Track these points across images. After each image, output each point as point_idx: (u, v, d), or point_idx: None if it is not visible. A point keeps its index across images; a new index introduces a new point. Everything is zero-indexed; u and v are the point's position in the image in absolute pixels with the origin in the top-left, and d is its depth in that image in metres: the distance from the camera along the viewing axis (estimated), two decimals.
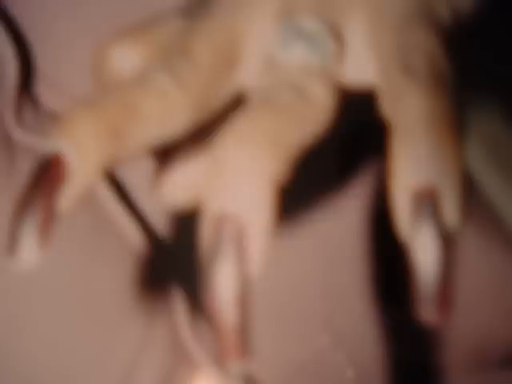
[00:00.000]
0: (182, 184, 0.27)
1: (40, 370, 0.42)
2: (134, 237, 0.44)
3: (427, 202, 0.22)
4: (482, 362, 0.49)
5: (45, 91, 0.44)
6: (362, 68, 0.26)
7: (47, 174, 0.22)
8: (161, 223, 0.45)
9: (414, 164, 0.22)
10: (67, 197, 0.22)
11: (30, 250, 0.22)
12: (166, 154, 0.28)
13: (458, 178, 0.22)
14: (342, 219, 0.45)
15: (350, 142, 0.41)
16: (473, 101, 0.29)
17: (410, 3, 0.25)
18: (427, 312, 0.22)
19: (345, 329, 0.46)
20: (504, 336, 0.48)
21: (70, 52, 0.43)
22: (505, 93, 0.32)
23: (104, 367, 0.43)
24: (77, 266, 0.43)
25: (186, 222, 0.32)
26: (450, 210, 0.22)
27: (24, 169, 0.42)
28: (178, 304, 0.45)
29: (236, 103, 0.26)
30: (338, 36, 0.25)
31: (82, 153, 0.23)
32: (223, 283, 0.22)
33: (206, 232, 0.22)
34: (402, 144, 0.22)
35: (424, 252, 0.21)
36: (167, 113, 0.24)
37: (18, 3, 0.44)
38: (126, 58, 0.27)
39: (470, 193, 0.24)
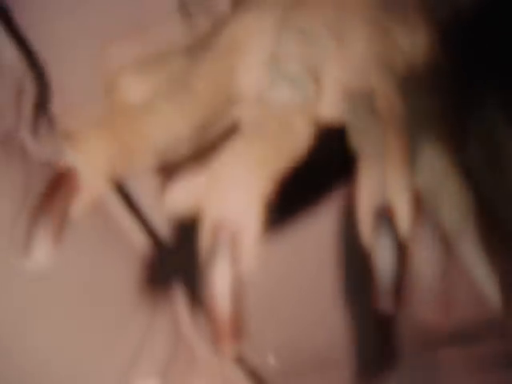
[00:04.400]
0: (184, 194, 0.29)
1: (49, 359, 0.43)
2: (140, 240, 0.45)
3: (385, 216, 0.24)
4: (430, 339, 0.50)
5: (59, 110, 0.45)
6: (334, 106, 0.27)
7: (61, 186, 0.23)
8: (164, 228, 0.46)
9: (376, 187, 0.24)
10: (79, 205, 0.24)
11: (42, 253, 0.23)
12: (169, 169, 0.29)
13: (409, 198, 0.24)
14: (319, 228, 0.46)
15: (328, 169, 0.42)
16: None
17: (373, 54, 0.28)
18: (384, 302, 0.24)
19: (317, 319, 0.48)
20: (447, 319, 0.50)
21: (84, 76, 0.43)
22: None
23: (111, 355, 0.44)
24: (88, 266, 0.43)
25: (187, 227, 0.33)
26: (404, 222, 0.24)
27: (39, 183, 0.43)
28: (180, 299, 0.46)
29: (231, 130, 0.28)
30: (316, 79, 0.27)
31: (94, 167, 0.24)
32: (220, 280, 0.24)
33: (204, 236, 0.24)
34: (367, 171, 0.24)
35: (382, 256, 0.24)
36: (170, 138, 0.25)
37: (38, 31, 0.44)
38: (135, 88, 0.28)
39: (420, 208, 0.26)
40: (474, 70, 0.33)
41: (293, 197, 0.43)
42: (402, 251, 0.24)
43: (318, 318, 0.48)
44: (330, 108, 0.28)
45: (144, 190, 0.45)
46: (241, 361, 0.48)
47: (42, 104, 0.45)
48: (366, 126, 0.25)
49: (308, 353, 0.49)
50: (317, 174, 0.41)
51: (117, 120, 0.25)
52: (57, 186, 0.23)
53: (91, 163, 0.24)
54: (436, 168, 0.30)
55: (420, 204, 0.25)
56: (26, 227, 0.23)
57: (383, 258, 0.24)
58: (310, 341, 0.49)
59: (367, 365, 0.49)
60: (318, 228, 0.46)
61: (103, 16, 0.44)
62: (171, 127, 0.26)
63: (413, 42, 0.29)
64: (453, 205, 0.38)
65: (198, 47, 0.29)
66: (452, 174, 0.28)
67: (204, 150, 0.28)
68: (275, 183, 0.25)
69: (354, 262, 0.46)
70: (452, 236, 0.39)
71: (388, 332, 0.49)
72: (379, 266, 0.24)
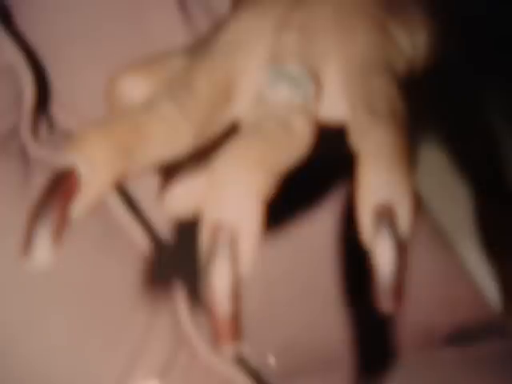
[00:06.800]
0: (184, 194, 0.29)
1: (49, 359, 0.44)
2: (140, 240, 0.45)
3: (385, 216, 0.24)
4: (430, 339, 0.51)
5: (59, 111, 0.46)
6: (334, 106, 0.28)
7: (62, 186, 0.23)
8: (164, 228, 0.47)
9: (376, 187, 0.24)
10: (80, 206, 0.23)
11: (43, 253, 0.22)
12: (170, 171, 0.30)
13: (410, 198, 0.24)
14: (319, 228, 0.47)
15: (328, 169, 0.43)
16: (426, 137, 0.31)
17: (373, 54, 0.28)
18: (384, 301, 0.24)
19: (317, 319, 0.48)
20: (447, 319, 0.51)
21: (83, 76, 0.44)
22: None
23: (111, 355, 0.44)
24: (88, 266, 0.44)
25: (187, 227, 0.33)
26: (404, 222, 0.24)
27: (39, 183, 0.43)
28: (180, 299, 0.46)
29: (231, 130, 0.28)
30: (316, 79, 0.27)
31: (94, 167, 0.23)
32: (219, 280, 0.24)
33: (204, 236, 0.24)
34: (367, 171, 0.24)
35: (383, 255, 0.24)
36: (170, 137, 0.25)
37: (37, 31, 0.44)
38: (135, 87, 0.28)
39: (420, 209, 0.26)
40: (474, 69, 0.33)
41: (293, 197, 0.43)
42: (401, 251, 0.24)
43: (318, 318, 0.49)
44: (330, 108, 0.28)
45: (144, 190, 0.45)
46: (241, 361, 0.48)
47: (42, 104, 0.45)
48: (366, 126, 0.25)
49: (308, 353, 0.49)
50: (317, 173, 0.41)
51: (117, 120, 0.25)
52: (57, 186, 0.23)
53: (91, 163, 0.24)
54: (436, 168, 0.30)
55: (420, 204, 0.25)
56: (27, 227, 0.23)
57: (383, 258, 0.24)
58: (310, 341, 0.49)
59: (367, 365, 0.49)
60: (318, 228, 0.47)
61: (103, 15, 0.44)
62: (171, 127, 0.25)
63: (413, 42, 0.30)
64: (453, 205, 0.39)
65: (198, 47, 0.29)
66: (452, 173, 0.28)
67: (204, 149, 0.28)
68: (275, 183, 0.25)
69: (354, 261, 0.47)
70: (452, 236, 0.39)
71: (388, 332, 0.49)
72: (379, 266, 0.24)
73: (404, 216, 0.24)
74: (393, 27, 0.29)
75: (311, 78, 0.27)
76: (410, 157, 0.25)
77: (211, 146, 0.28)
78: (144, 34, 0.44)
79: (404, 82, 0.28)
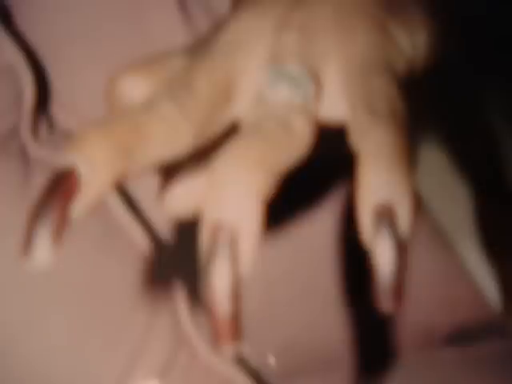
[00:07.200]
0: (184, 194, 0.29)
1: (49, 359, 0.44)
2: (140, 240, 0.46)
3: (385, 216, 0.24)
4: (430, 339, 0.51)
5: (59, 111, 0.46)
6: (334, 106, 0.28)
7: (62, 186, 0.23)
8: (164, 228, 0.47)
9: (376, 187, 0.24)
10: (80, 206, 0.23)
11: (43, 253, 0.22)
12: (170, 171, 0.30)
13: (410, 198, 0.24)
14: (319, 228, 0.47)
15: (328, 169, 0.43)
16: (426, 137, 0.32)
17: (373, 54, 0.28)
18: (384, 301, 0.24)
19: (317, 319, 0.48)
20: (447, 319, 0.51)
21: (83, 76, 0.44)
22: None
23: (111, 355, 0.45)
24: (88, 267, 0.44)
25: (187, 227, 0.33)
26: (404, 222, 0.24)
27: (39, 183, 0.43)
28: (180, 299, 0.46)
29: (231, 130, 0.28)
30: (316, 79, 0.27)
31: (94, 167, 0.23)
32: (219, 280, 0.24)
33: (204, 236, 0.24)
34: (367, 171, 0.24)
35: (383, 255, 0.24)
36: (170, 137, 0.25)
37: (37, 31, 0.45)
38: (135, 87, 0.28)
39: (420, 209, 0.26)
40: (474, 69, 0.33)
41: (293, 197, 0.43)
42: (401, 251, 0.24)
43: (318, 318, 0.49)
44: (330, 108, 0.28)
45: (144, 190, 0.45)
46: (241, 361, 0.48)
47: (42, 104, 0.45)
48: (366, 126, 0.25)
49: (308, 353, 0.49)
50: (317, 173, 0.41)
51: (117, 120, 0.25)
52: (57, 186, 0.23)
53: (91, 163, 0.24)
54: (436, 168, 0.30)
55: (420, 204, 0.25)
56: (27, 227, 0.23)
57: (383, 258, 0.24)
58: (310, 341, 0.49)
59: (367, 365, 0.49)
60: (318, 228, 0.47)
61: (103, 15, 0.44)
62: (171, 127, 0.25)
63: (413, 42, 0.30)
64: (453, 205, 0.39)
65: (198, 47, 0.29)
66: (452, 173, 0.28)
67: (204, 149, 0.28)
68: (275, 183, 0.25)
69: (354, 261, 0.47)
70: (452, 236, 0.39)
71: (388, 332, 0.49)
72: (379, 266, 0.24)
73: (404, 216, 0.24)
74: (393, 27, 0.29)
75: (311, 77, 0.27)
76: (409, 157, 0.25)
77: (211, 145, 0.28)
78: (144, 34, 0.44)
79: (404, 82, 0.28)
